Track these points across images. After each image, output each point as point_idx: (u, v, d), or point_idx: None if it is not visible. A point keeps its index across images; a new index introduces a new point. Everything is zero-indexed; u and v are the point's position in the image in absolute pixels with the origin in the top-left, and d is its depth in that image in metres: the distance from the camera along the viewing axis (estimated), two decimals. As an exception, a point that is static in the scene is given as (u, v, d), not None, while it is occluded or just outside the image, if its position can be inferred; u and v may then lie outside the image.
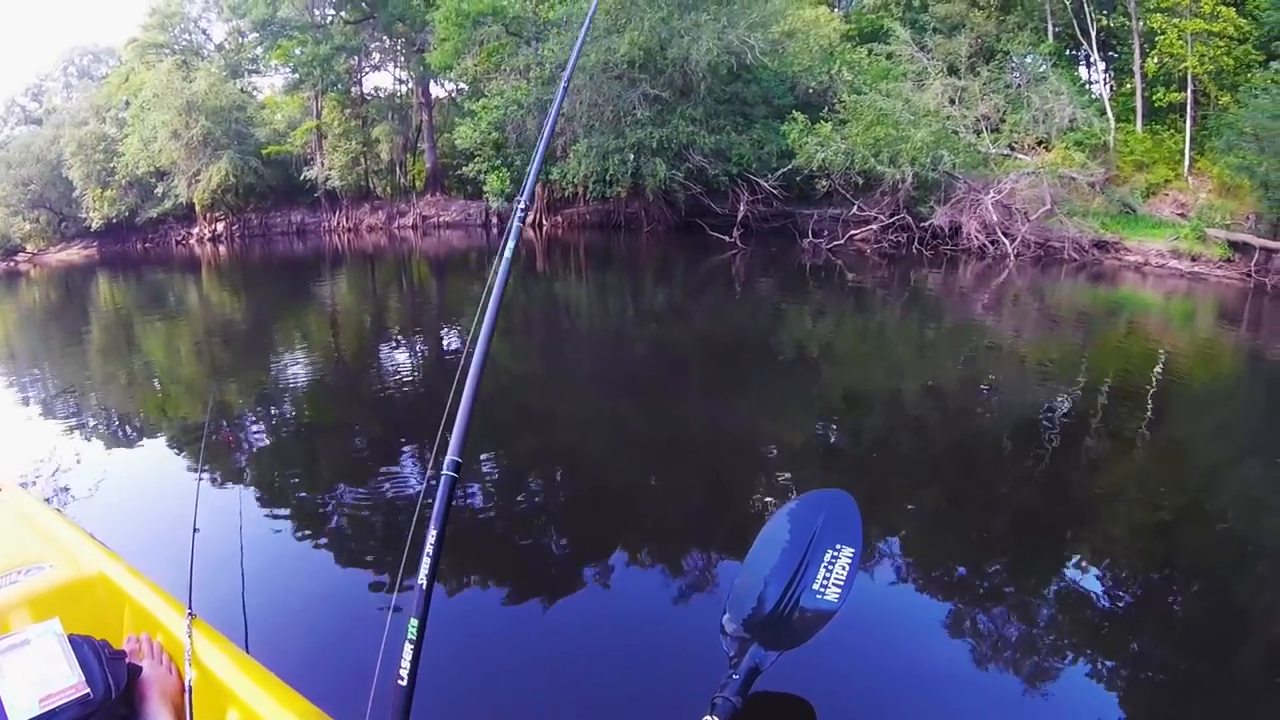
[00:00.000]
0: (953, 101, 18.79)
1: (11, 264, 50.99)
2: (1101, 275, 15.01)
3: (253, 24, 34.71)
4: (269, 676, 2.07)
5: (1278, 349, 10.00)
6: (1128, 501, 4.82)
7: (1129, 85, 21.22)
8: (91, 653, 1.99)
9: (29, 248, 51.39)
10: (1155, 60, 19.91)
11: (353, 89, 36.03)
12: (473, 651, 3.29)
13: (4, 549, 2.95)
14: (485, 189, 25.78)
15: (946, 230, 17.16)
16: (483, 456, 5.64)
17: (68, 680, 1.90)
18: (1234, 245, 14.84)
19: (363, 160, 36.35)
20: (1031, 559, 3.98)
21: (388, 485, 5.08)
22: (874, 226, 18.14)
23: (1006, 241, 16.24)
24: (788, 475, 5.21)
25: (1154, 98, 19.64)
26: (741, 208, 20.12)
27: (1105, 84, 22.69)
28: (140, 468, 5.88)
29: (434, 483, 1.83)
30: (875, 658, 3.04)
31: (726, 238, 19.34)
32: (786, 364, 8.67)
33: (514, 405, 7.24)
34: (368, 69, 36.64)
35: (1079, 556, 3.95)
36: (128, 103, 40.89)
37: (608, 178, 21.35)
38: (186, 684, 1.88)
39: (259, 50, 37.23)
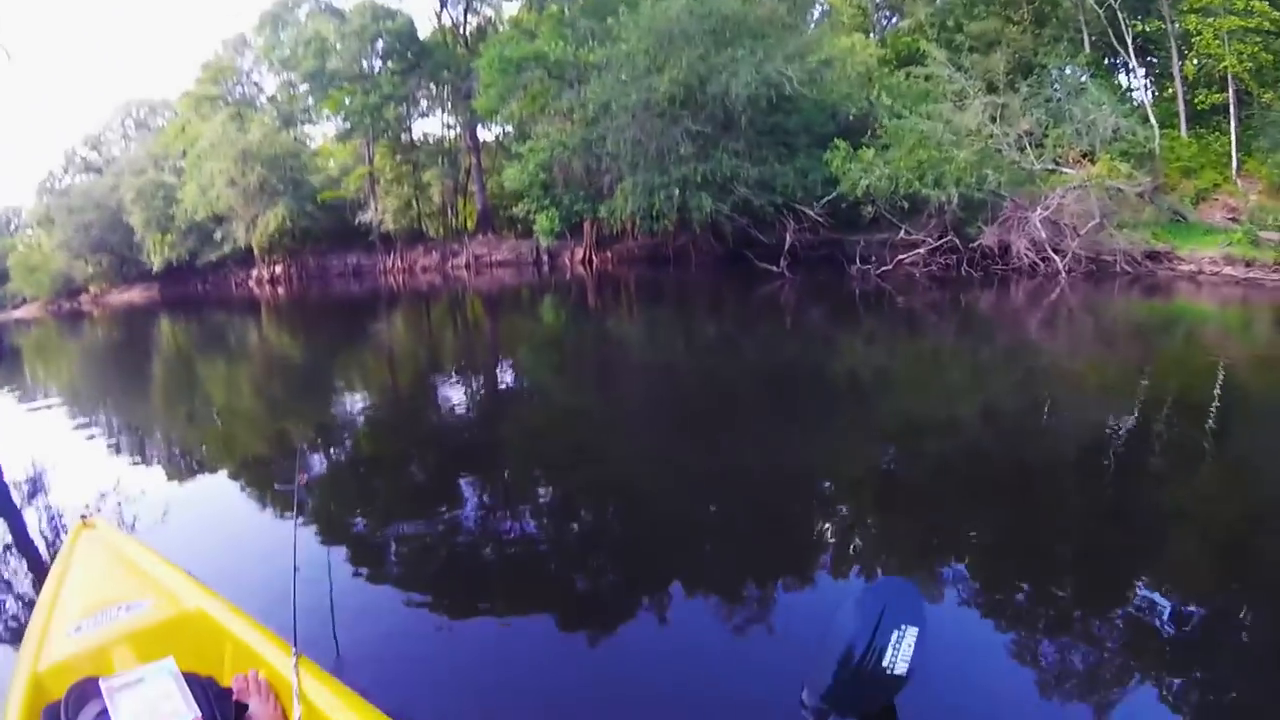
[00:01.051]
0: (994, 119, 18.59)
1: (75, 304, 52.76)
2: (1155, 287, 14.77)
3: (303, 76, 35.90)
4: (376, 714, 2.09)
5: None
6: (1194, 524, 4.66)
7: (1170, 90, 21.15)
8: (201, 691, 2.05)
9: (92, 289, 53.22)
10: (1194, 62, 19.80)
11: (403, 135, 37.13)
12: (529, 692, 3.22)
13: (103, 585, 2.99)
14: (535, 228, 26.21)
15: (995, 250, 17.10)
16: (539, 490, 5.74)
17: (183, 717, 1.95)
18: (1289, 247, 14.59)
19: (415, 203, 37.62)
20: (1098, 591, 3.83)
21: (464, 519, 5.15)
22: (921, 250, 18.12)
23: (1057, 258, 16.10)
24: (845, 509, 5.17)
25: (1195, 101, 19.55)
26: (788, 237, 20.29)
27: (1146, 90, 22.65)
28: (224, 506, 5.94)
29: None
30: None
31: (774, 267, 19.51)
32: (840, 393, 8.61)
33: (567, 440, 7.24)
34: (416, 116, 37.72)
35: (1146, 585, 3.81)
36: (184, 152, 42.19)
37: (654, 213, 21.64)
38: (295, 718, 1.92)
39: (310, 101, 38.30)
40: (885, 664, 2.65)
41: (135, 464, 7.54)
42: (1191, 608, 3.66)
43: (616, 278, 23.98)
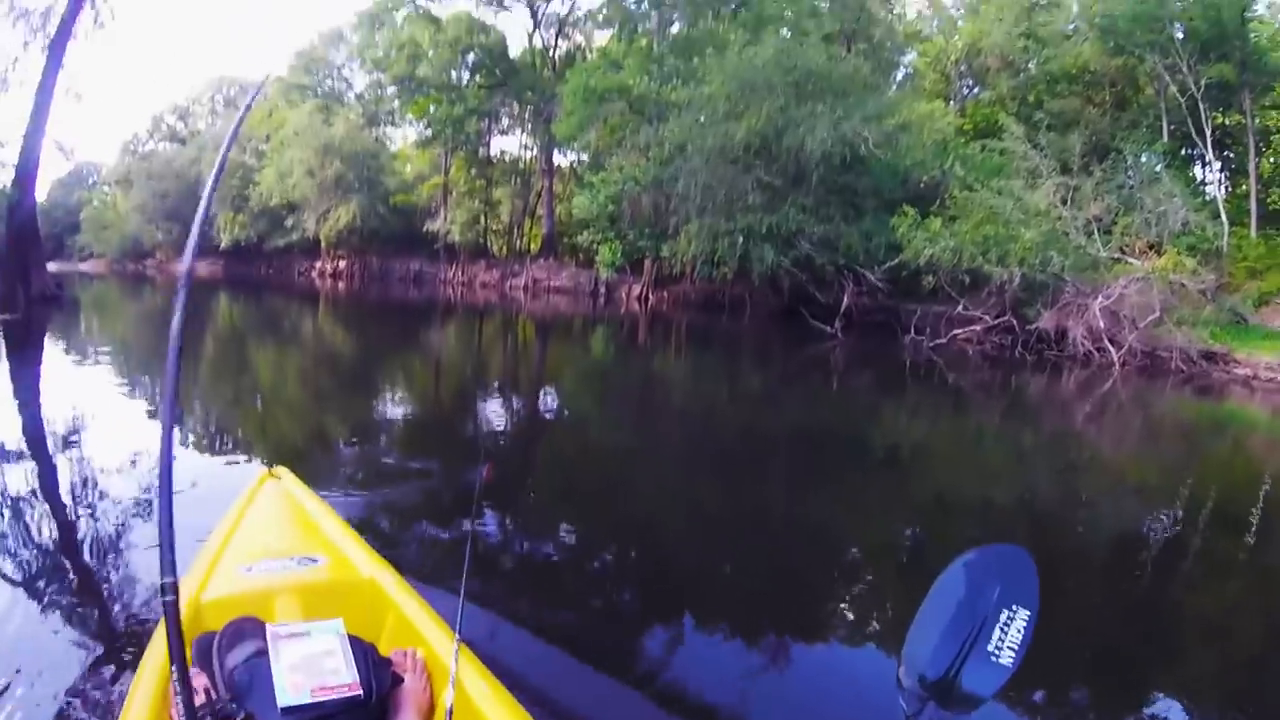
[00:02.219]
0: (1064, 201, 18.57)
1: (140, 267, 54.48)
2: (1209, 388, 14.53)
3: (393, 78, 36.88)
4: (528, 717, 2.05)
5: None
6: (1219, 636, 4.57)
7: (1244, 187, 20.97)
8: (363, 656, 2.04)
9: (158, 255, 54.87)
10: (1270, 160, 19.72)
11: (480, 150, 38.05)
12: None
13: (279, 534, 3.02)
14: (597, 259, 26.76)
15: (1052, 334, 16.93)
16: (562, 516, 5.77)
17: (343, 678, 1.95)
18: (1349, 360, 14.31)
19: (483, 219, 38.41)
20: (1110, 693, 3.80)
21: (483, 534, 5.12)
22: (978, 327, 18.00)
23: (1112, 349, 15.91)
24: (862, 576, 5.28)
25: (1269, 200, 19.40)
26: (845, 298, 20.20)
27: (1220, 185, 22.48)
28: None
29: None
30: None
31: (828, 328, 19.32)
32: (876, 461, 8.51)
33: (597, 471, 7.36)
34: (496, 132, 38.68)
35: (1162, 693, 3.76)
36: (268, 137, 43.42)
37: (716, 258, 21.84)
38: (448, 706, 1.93)
39: (396, 104, 39.39)
40: (991, 649, 2.29)
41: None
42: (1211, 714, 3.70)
43: (669, 318, 24.04)
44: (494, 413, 10.20)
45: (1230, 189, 22.35)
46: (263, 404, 10.10)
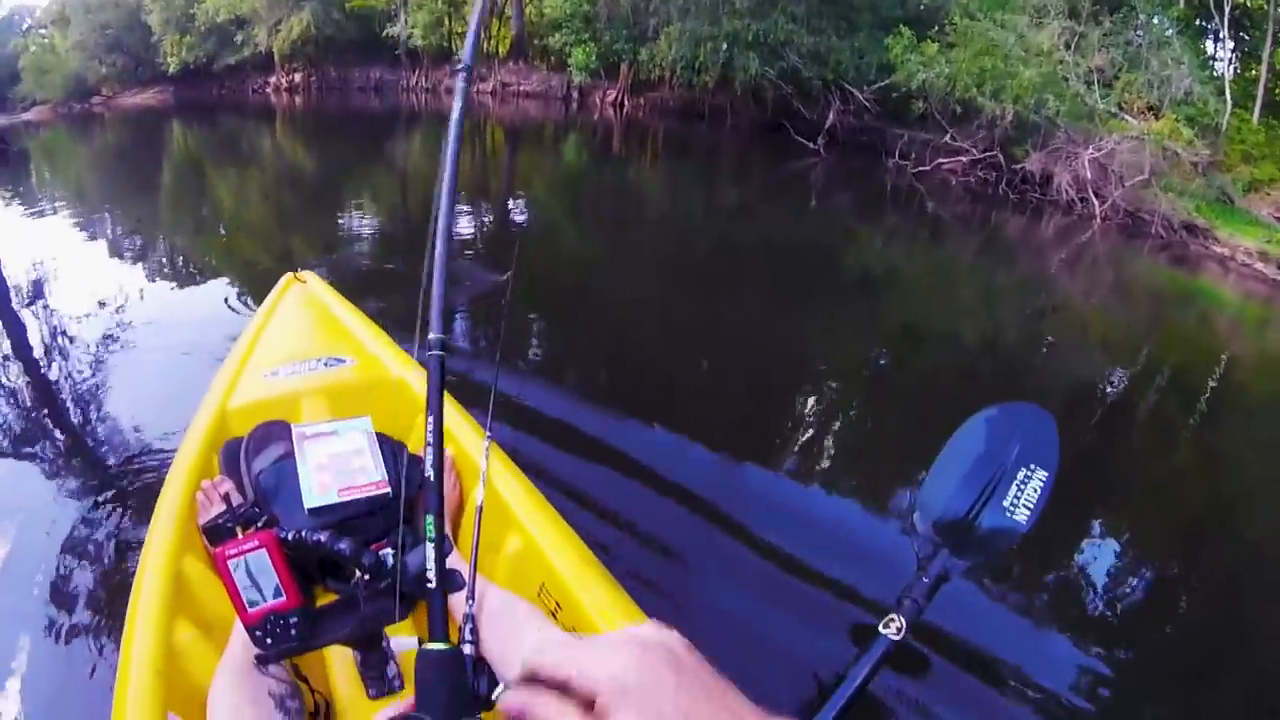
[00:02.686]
0: (1068, 46, 17.89)
1: (86, 106, 51.97)
2: (1184, 259, 14.59)
3: None
4: (555, 514, 2.02)
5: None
6: (1161, 494, 4.87)
7: (1254, 71, 20.26)
8: (391, 454, 2.06)
9: (104, 91, 52.29)
10: (1287, 51, 19.10)
11: (442, -56, 35.60)
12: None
13: (305, 337, 3.01)
14: (569, 61, 25.53)
15: (1037, 177, 16.68)
16: (535, 326, 5.90)
17: (370, 476, 1.98)
18: (1328, 263, 14.23)
19: (447, 20, 35.72)
20: (1050, 536, 3.93)
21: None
22: (964, 159, 17.69)
23: (1096, 202, 15.72)
24: (825, 396, 5.51)
25: (1278, 90, 18.82)
26: (831, 116, 19.65)
27: (1230, 64, 21.73)
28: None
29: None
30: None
31: (810, 144, 18.96)
32: (849, 285, 8.84)
33: (570, 280, 7.52)
34: (462, -79, 36.08)
35: (1099, 542, 4.00)
36: (214, -52, 40.93)
37: (697, 65, 21.03)
38: (479, 504, 1.77)
39: (350, -105, 36.85)
40: (1007, 504, 2.26)
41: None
42: (1142, 571, 3.93)
43: (646, 126, 23.62)
44: (462, 226, 9.92)
45: (1240, 70, 21.64)
46: (227, 230, 9.96)
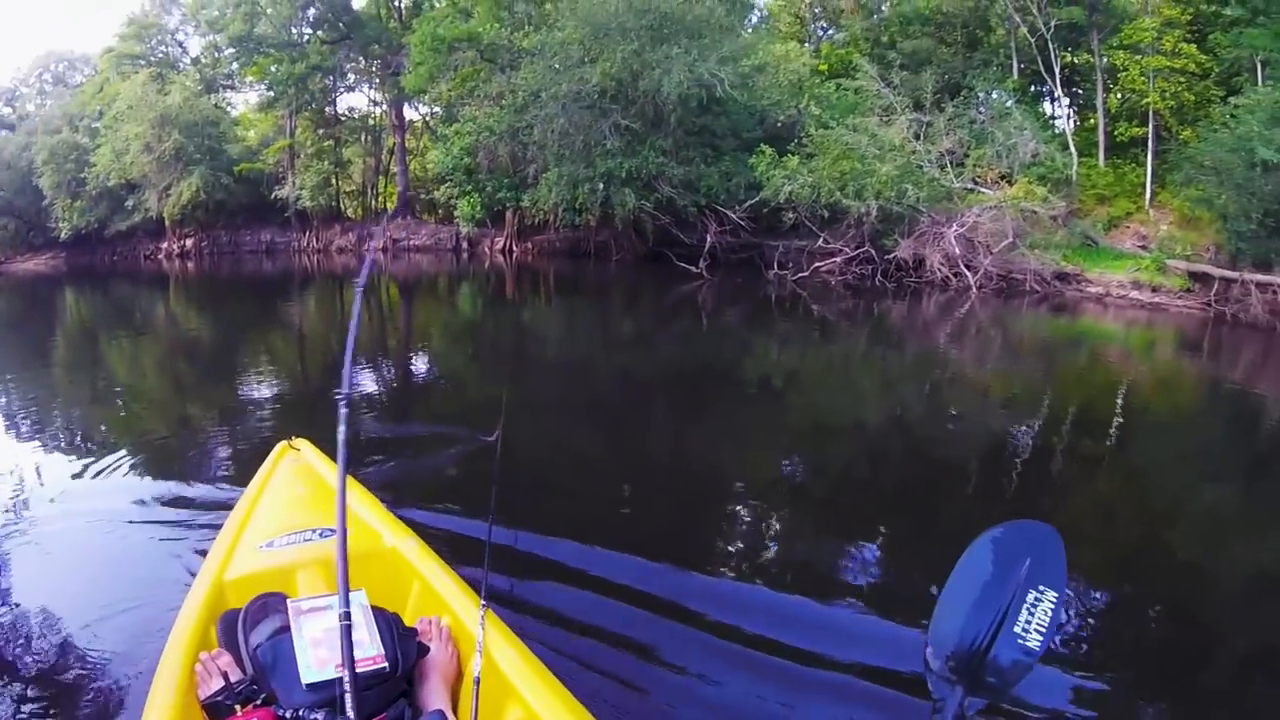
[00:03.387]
0: (918, 136, 19.04)
1: (-25, 270, 50.53)
2: (1063, 306, 15.26)
3: (229, 39, 34.66)
4: (555, 682, 2.00)
5: (1235, 376, 10.34)
6: (1091, 529, 4.84)
7: (1092, 120, 21.66)
8: (388, 627, 2.01)
9: (-4, 255, 50.92)
10: (1118, 96, 20.46)
11: (327, 109, 36.06)
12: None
13: (299, 507, 3.00)
14: (456, 214, 25.81)
15: (910, 262, 17.36)
16: (445, 474, 5.73)
17: (366, 651, 1.91)
18: (1194, 276, 15.24)
19: (334, 181, 36.30)
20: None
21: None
22: (839, 259, 18.30)
23: (969, 274, 16.42)
24: (748, 504, 5.35)
25: (1116, 132, 20.07)
26: (709, 238, 20.23)
27: (1069, 119, 23.24)
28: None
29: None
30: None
31: (694, 268, 19.41)
32: (752, 393, 8.75)
33: (474, 428, 7.02)
34: (342, 89, 36.65)
35: None
36: (101, 113, 40.41)
37: (577, 205, 21.36)
38: (475, 675, 1.83)
39: (235, 66, 37.17)
40: (1019, 631, 2.19)
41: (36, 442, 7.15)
42: (1087, 601, 3.86)
43: (536, 269, 23.77)
44: (367, 378, 9.64)
45: (1079, 123, 23.10)
46: (124, 400, 9.30)
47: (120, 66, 41.38)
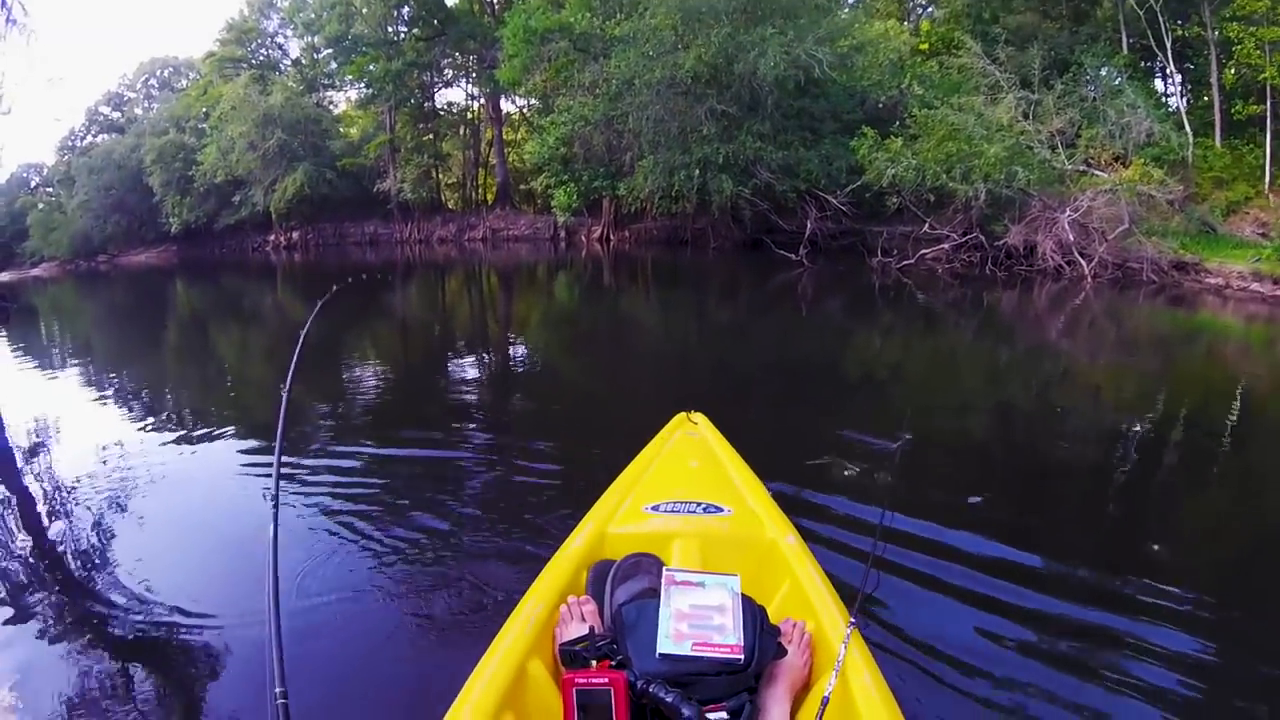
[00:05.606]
0: (1026, 116, 18.22)
1: (93, 264, 53.25)
2: (1181, 298, 14.45)
3: (327, 40, 35.85)
4: None
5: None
6: (1204, 537, 4.66)
7: (1206, 98, 20.65)
8: (753, 619, 1.97)
9: (110, 249, 53.70)
10: (1233, 71, 19.43)
11: (425, 104, 37.06)
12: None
13: (690, 478, 3.05)
14: (553, 203, 26.17)
15: (1021, 250, 16.68)
16: (537, 466, 5.56)
17: (726, 638, 1.90)
18: (1320, 267, 14.20)
19: (434, 174, 37.45)
20: (1098, 594, 3.75)
21: (467, 488, 5.03)
22: (945, 245, 17.73)
23: (1083, 262, 15.67)
24: (854, 492, 5.04)
25: (1232, 111, 19.05)
26: (809, 225, 19.96)
27: (1182, 97, 22.08)
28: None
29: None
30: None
31: (793, 255, 19.15)
32: (852, 385, 8.57)
33: (572, 417, 7.24)
34: (439, 85, 37.59)
35: (1153, 594, 3.69)
36: (206, 114, 42.33)
37: (674, 193, 21.41)
38: (825, 694, 1.79)
39: (333, 65, 38.29)
40: None
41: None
42: (1194, 615, 3.57)
43: (633, 258, 23.78)
44: (460, 371, 10.00)
45: (1193, 100, 21.98)
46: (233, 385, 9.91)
47: (222, 70, 43.25)
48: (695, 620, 1.92)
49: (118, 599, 3.73)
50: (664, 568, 2.17)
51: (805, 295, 15.85)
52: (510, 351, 11.29)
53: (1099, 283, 15.26)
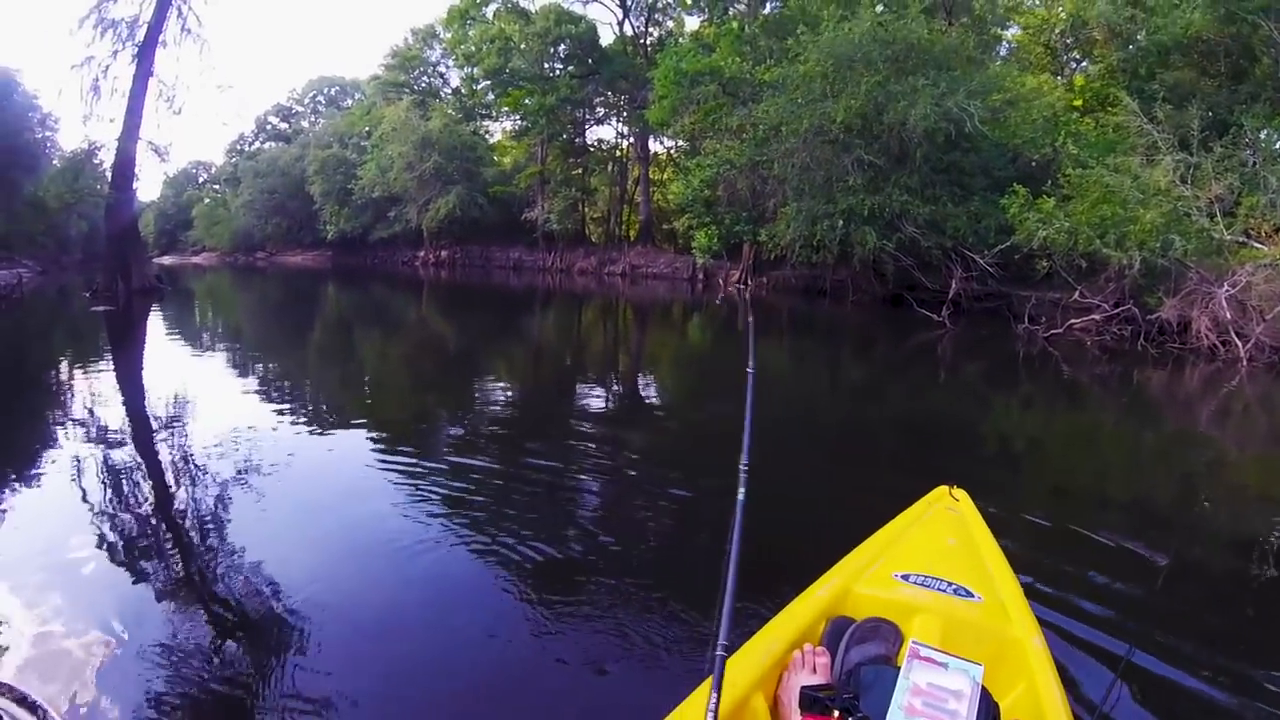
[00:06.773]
0: (1183, 180, 17.10)
1: (251, 259, 57.29)
2: None
3: (485, 72, 37.78)
4: None
5: None
6: None
7: (1382, 160, 19.33)
8: (986, 715, 1.92)
9: (268, 247, 57.80)
10: (1405, 138, 18.13)
11: (576, 139, 38.71)
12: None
13: (943, 554, 3.00)
14: (694, 245, 26.76)
15: (1174, 325, 15.70)
16: (661, 503, 5.79)
17: None
18: None
19: (580, 207, 38.94)
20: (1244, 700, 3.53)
21: (601, 520, 4.70)
22: (1096, 316, 16.84)
23: (1239, 342, 14.39)
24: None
25: None
26: (954, 284, 19.40)
27: (1350, 164, 20.69)
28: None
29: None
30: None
31: (935, 315, 18.52)
32: (985, 457, 8.31)
33: (694, 460, 7.25)
34: (591, 121, 39.29)
35: None
36: (368, 133, 45.06)
37: (815, 243, 21.31)
38: None
39: (491, 97, 40.36)
40: None
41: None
42: None
43: (769, 305, 23.71)
44: (588, 399, 10.49)
45: (1361, 170, 20.56)
46: (371, 388, 10.59)
47: (385, 93, 46.02)
48: (931, 699, 1.89)
49: (228, 572, 4.02)
50: (905, 638, 2.21)
51: (944, 358, 15.40)
52: (637, 386, 11.67)
53: (1254, 366, 14.10)
